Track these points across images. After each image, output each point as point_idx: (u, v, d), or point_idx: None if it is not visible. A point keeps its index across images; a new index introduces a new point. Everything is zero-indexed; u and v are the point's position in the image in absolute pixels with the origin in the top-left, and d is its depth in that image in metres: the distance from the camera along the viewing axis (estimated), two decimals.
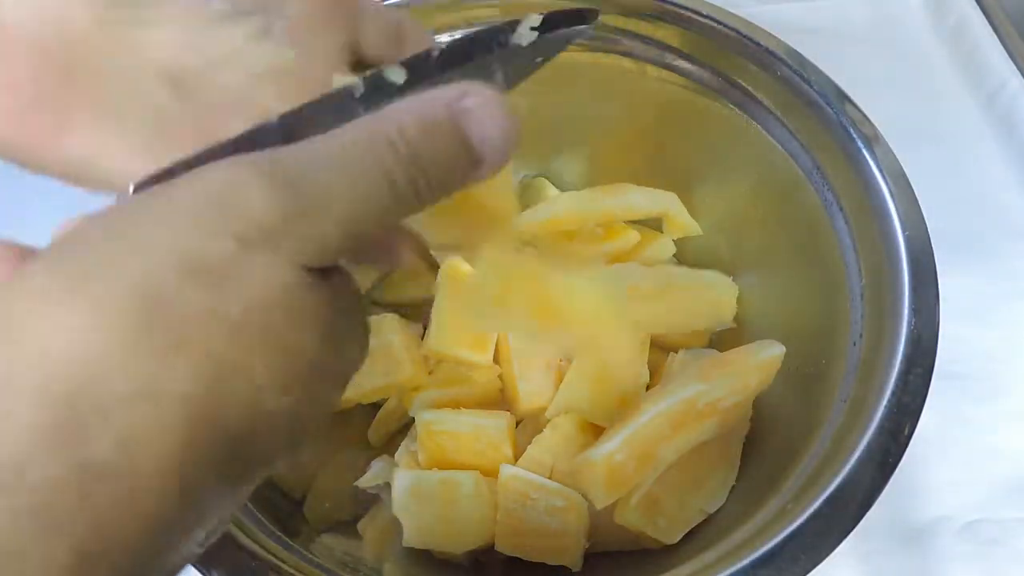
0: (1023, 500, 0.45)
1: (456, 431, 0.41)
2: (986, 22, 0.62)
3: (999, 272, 0.52)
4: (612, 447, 0.37)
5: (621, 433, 0.38)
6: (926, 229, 0.37)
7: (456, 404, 0.43)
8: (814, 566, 0.31)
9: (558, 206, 0.48)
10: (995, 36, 0.61)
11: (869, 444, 0.33)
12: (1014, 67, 0.59)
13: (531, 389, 0.44)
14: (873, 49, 0.63)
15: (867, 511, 0.31)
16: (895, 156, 0.39)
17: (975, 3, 0.63)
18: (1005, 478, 0.46)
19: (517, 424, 0.44)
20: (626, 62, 0.46)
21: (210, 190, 0.17)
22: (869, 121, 0.40)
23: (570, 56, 0.47)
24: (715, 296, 0.46)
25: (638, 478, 0.38)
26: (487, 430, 0.41)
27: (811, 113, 0.41)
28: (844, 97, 0.41)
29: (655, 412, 0.38)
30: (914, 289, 0.36)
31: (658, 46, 0.45)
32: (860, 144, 0.39)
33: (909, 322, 0.35)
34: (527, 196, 0.52)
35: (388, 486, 0.40)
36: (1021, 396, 0.48)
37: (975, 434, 0.47)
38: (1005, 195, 0.56)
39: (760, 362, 0.40)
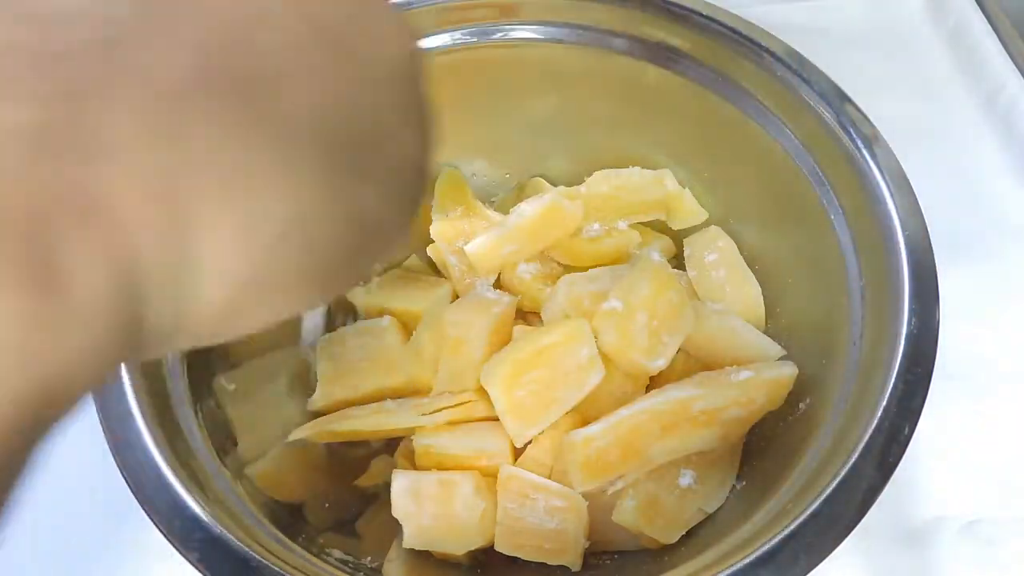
0: (1023, 500, 0.45)
1: (455, 454, 0.41)
2: (986, 22, 0.62)
3: (999, 272, 0.52)
4: (594, 431, 0.38)
5: (605, 420, 0.39)
6: (926, 229, 0.37)
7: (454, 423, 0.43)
8: (814, 566, 0.31)
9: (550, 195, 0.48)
10: (995, 36, 0.61)
11: (869, 444, 0.32)
12: (1014, 67, 0.59)
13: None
14: (873, 49, 0.63)
15: (867, 511, 0.31)
16: (895, 156, 0.39)
17: (975, 3, 0.63)
18: (1005, 478, 0.45)
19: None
20: (626, 62, 0.46)
21: None
22: (869, 121, 0.40)
23: (569, 57, 0.47)
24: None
25: (621, 468, 0.39)
26: (488, 451, 0.41)
27: (811, 113, 0.41)
28: (844, 97, 0.41)
29: (642, 407, 0.39)
30: (914, 289, 0.36)
31: (658, 46, 0.45)
32: (860, 144, 0.39)
33: (909, 322, 0.35)
34: (524, 198, 0.51)
35: (388, 486, 0.40)
36: (1021, 396, 0.48)
37: (975, 434, 0.47)
38: (1005, 195, 0.56)
39: (768, 380, 0.40)
